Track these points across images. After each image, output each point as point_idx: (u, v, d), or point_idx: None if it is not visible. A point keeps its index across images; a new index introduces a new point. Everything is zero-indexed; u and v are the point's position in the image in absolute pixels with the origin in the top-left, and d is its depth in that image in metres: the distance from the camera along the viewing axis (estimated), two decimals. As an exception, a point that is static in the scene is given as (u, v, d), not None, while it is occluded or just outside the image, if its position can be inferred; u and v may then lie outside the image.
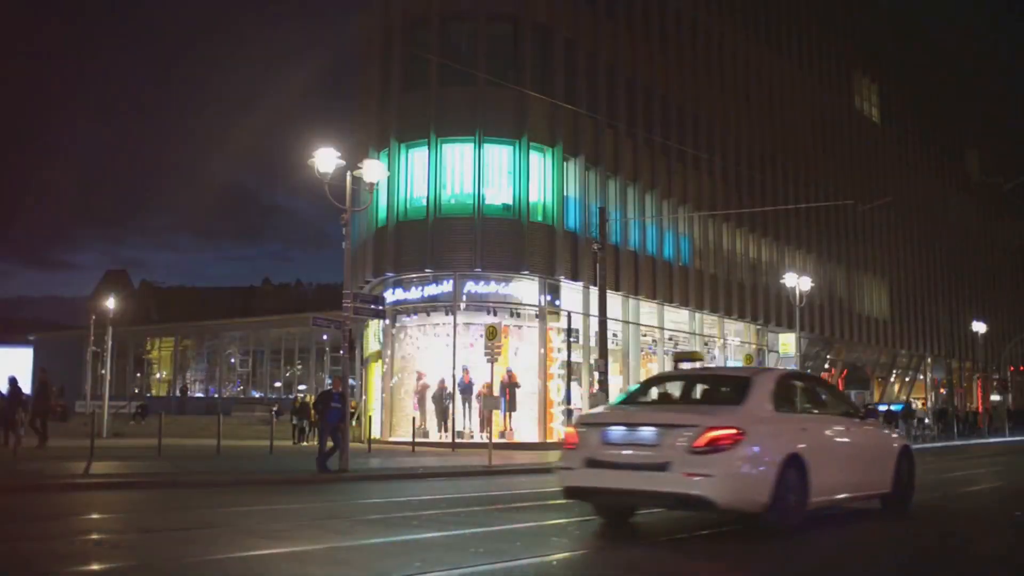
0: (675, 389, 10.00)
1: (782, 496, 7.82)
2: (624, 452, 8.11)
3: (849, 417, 9.76)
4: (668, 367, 34.61)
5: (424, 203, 27.97)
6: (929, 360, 58.45)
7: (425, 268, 27.75)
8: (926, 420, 45.06)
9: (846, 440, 9.33)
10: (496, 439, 23.66)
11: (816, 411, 9.58)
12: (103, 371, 37.14)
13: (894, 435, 10.87)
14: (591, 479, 8.27)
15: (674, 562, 7.32)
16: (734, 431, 7.71)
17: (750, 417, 8.08)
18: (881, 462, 9.75)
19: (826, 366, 47.58)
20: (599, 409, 10.69)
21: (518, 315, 28.17)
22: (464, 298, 27.63)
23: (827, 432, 9.12)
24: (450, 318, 27.70)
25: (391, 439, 28.24)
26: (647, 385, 10.37)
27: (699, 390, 9.67)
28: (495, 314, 27.18)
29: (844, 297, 47.28)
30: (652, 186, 33.71)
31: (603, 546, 8.12)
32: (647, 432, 8.09)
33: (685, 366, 10.65)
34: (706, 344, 37.39)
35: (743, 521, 8.20)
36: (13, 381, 20.93)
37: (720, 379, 10.40)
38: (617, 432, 8.33)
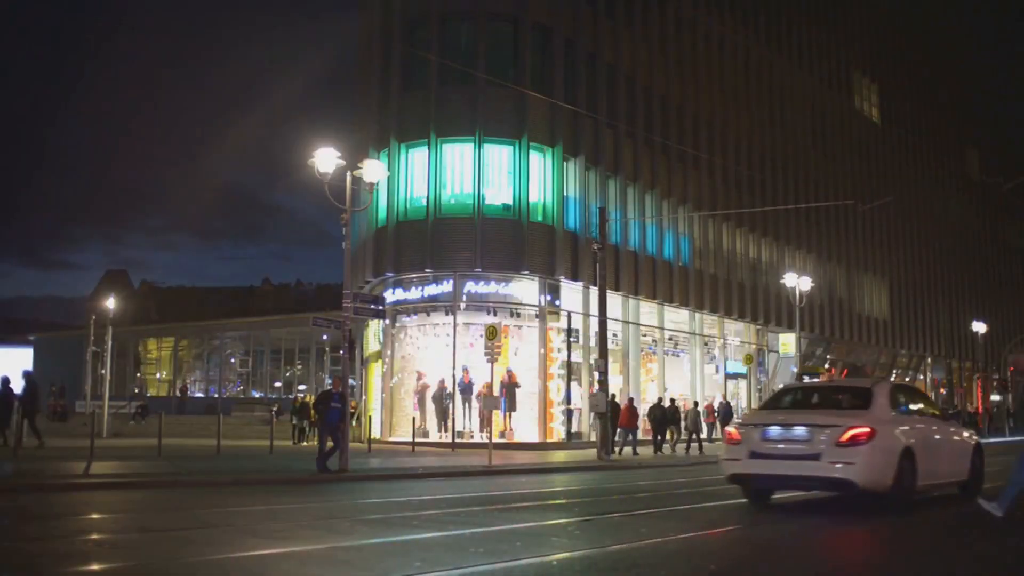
0: (806, 396, 12.02)
1: (900, 480, 9.84)
2: (780, 446, 10.27)
3: (937, 418, 11.79)
4: (668, 366, 34.75)
5: (424, 203, 27.96)
6: (929, 360, 58.43)
7: (425, 268, 27.75)
8: None
9: (939, 437, 11.34)
10: (496, 439, 23.66)
11: (917, 413, 11.40)
12: (103, 371, 37.15)
13: (971, 434, 12.69)
14: (754, 467, 10.40)
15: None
16: (868, 429, 9.71)
17: (877, 418, 10.11)
18: (962, 455, 11.71)
19: (826, 366, 47.56)
20: (752, 413, 12.93)
21: (518, 315, 28.17)
22: (464, 298, 27.63)
23: (927, 430, 11.05)
24: (450, 318, 27.70)
25: (391, 439, 28.24)
26: (782, 394, 12.60)
27: (829, 397, 11.62)
28: (495, 314, 27.19)
29: (844, 297, 47.28)
30: (652, 186, 33.71)
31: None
32: (800, 430, 10.18)
33: (807, 379, 12.80)
34: (706, 344, 37.43)
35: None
36: (5, 381, 20.83)
37: (844, 389, 12.15)
38: (775, 430, 10.39)
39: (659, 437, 27.05)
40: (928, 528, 9.72)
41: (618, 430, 25.83)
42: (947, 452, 11.34)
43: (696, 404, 29.71)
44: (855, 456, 9.60)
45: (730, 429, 11.44)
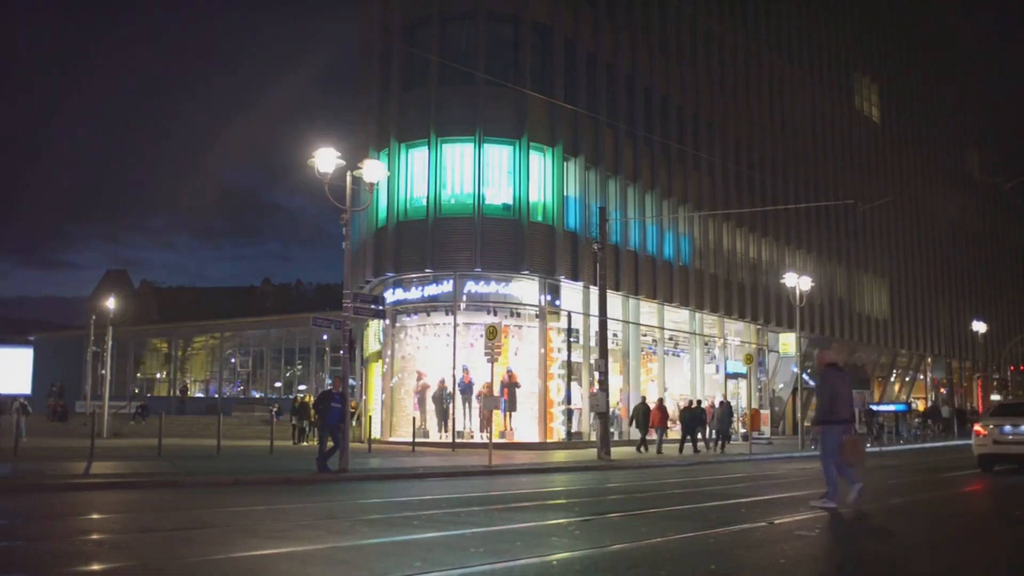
0: (1019, 407, 18.94)
1: None
2: (1010, 437, 17.22)
3: None
4: (668, 366, 34.80)
5: (424, 203, 27.96)
6: (929, 360, 58.43)
7: (425, 268, 27.74)
8: (929, 420, 45.05)
9: None
10: (496, 439, 23.67)
11: None
12: (103, 371, 37.16)
13: None
14: (996, 449, 17.48)
15: None
16: None
17: None
18: None
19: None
20: (987, 419, 18.72)
21: (518, 315, 28.17)
22: (464, 298, 27.63)
23: None
24: (450, 318, 27.70)
25: (391, 439, 28.25)
26: (1000, 407, 19.77)
27: None
28: (495, 314, 27.19)
29: (844, 297, 47.28)
30: (652, 186, 33.71)
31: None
32: None
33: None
34: (706, 344, 37.42)
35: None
36: None
37: None
38: (1008, 427, 17.33)
39: (687, 437, 27.99)
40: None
41: (651, 429, 27.28)
42: None
43: (721, 403, 29.82)
44: None
45: (978, 427, 18.06)
